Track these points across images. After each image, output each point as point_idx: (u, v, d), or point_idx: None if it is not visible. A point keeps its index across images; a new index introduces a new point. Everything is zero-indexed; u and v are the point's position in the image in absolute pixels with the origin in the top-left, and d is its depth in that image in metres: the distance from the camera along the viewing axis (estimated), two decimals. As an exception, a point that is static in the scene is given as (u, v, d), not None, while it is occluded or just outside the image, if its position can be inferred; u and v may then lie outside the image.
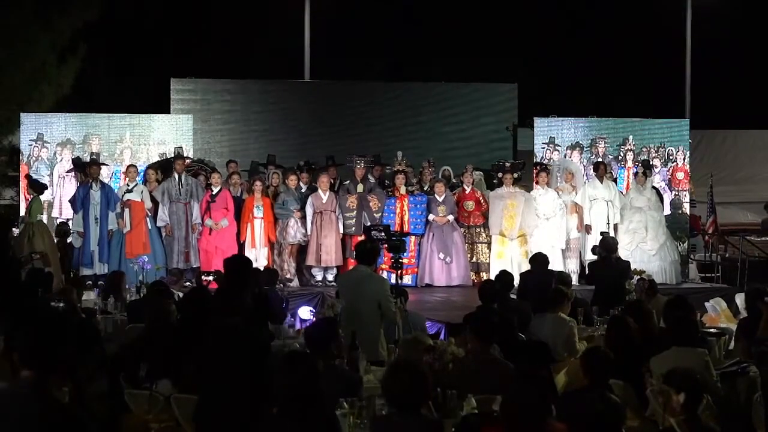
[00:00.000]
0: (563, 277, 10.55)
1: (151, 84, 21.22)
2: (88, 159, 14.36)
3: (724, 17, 23.63)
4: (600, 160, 14.87)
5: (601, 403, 4.60)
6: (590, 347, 6.89)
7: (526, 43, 26.21)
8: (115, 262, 13.12)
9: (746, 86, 25.17)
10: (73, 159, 14.55)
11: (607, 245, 11.97)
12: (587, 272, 13.02)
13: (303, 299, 12.27)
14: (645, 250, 13.81)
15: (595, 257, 12.71)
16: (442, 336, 9.90)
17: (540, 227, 13.85)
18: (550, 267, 11.73)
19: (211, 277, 11.31)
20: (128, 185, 13.52)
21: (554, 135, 15.42)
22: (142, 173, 14.19)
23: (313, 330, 6.42)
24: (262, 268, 11.93)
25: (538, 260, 11.07)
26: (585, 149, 15.34)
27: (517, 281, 11.06)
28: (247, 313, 6.71)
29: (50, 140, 14.84)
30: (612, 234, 13.70)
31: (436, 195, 13.85)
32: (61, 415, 3.90)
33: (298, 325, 9.87)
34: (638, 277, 11.92)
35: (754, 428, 6.37)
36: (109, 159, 14.77)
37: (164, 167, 14.23)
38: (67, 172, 14.62)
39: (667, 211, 15.03)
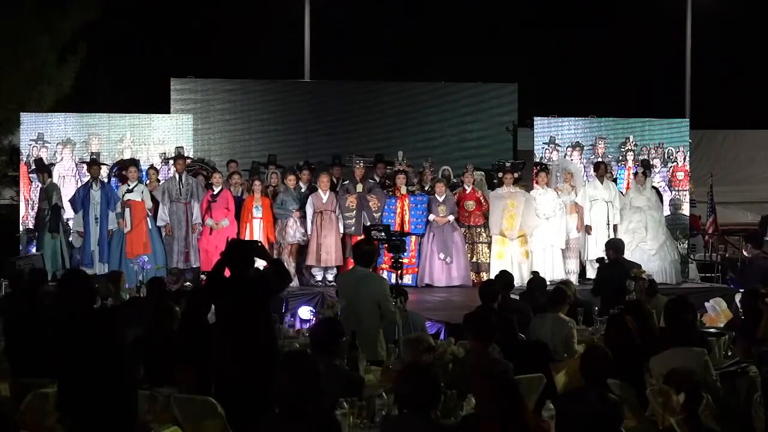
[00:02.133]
0: (567, 285, 10.52)
1: (151, 84, 21.21)
2: (88, 159, 14.37)
3: (724, 17, 23.62)
4: (600, 160, 14.88)
5: (599, 403, 4.61)
6: (590, 346, 6.89)
7: (526, 43, 26.19)
8: (115, 262, 13.13)
9: (746, 86, 25.16)
10: (35, 159, 14.50)
11: (616, 247, 11.95)
12: (596, 275, 12.83)
13: (303, 299, 12.27)
14: (645, 250, 13.82)
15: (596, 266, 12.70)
16: (442, 336, 9.90)
17: (540, 227, 13.85)
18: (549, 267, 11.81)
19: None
20: (129, 185, 13.52)
21: (554, 135, 15.43)
22: (143, 173, 14.20)
23: (319, 330, 6.40)
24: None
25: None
26: (585, 149, 15.35)
27: (518, 282, 11.11)
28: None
29: (50, 140, 14.83)
30: (612, 234, 13.75)
31: (436, 195, 13.85)
32: None
33: (298, 325, 9.88)
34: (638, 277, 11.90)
35: (754, 428, 6.38)
36: (109, 159, 14.77)
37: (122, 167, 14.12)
38: (30, 173, 14.58)
39: (667, 211, 15.05)
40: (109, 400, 5.65)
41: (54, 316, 6.03)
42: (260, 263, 7.22)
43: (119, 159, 14.58)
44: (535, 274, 11.83)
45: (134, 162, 14.12)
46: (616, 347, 6.53)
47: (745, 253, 12.09)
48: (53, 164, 14.49)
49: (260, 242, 7.50)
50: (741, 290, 11.93)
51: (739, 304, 10.88)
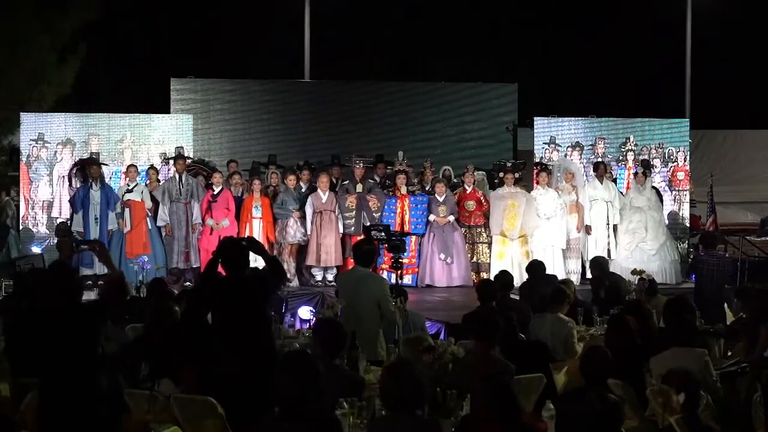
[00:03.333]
0: (566, 284, 10.49)
1: (151, 84, 21.22)
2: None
3: (724, 17, 23.63)
4: (600, 160, 14.88)
5: (599, 403, 4.61)
6: (591, 346, 6.90)
7: (526, 43, 26.22)
8: (115, 262, 13.10)
9: (746, 86, 25.18)
10: None
11: (600, 266, 11.89)
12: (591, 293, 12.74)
13: (303, 299, 12.26)
14: (645, 250, 13.81)
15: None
16: (442, 336, 9.89)
17: (540, 227, 13.85)
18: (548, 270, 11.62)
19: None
20: (128, 185, 13.53)
21: (554, 135, 15.43)
22: (143, 173, 14.21)
23: (326, 331, 6.36)
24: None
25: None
26: (585, 149, 15.35)
27: (518, 282, 11.07)
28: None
29: (50, 140, 14.84)
30: (611, 235, 13.76)
31: (436, 195, 13.83)
32: None
33: (298, 325, 9.88)
34: (638, 277, 11.90)
35: (754, 428, 6.37)
36: (109, 159, 14.77)
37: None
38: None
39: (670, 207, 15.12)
40: (84, 400, 5.67)
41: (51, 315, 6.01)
42: (260, 262, 7.20)
43: (79, 159, 14.52)
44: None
45: (92, 161, 13.98)
46: (616, 347, 6.53)
47: (701, 253, 12.19)
48: (16, 183, 14.51)
49: (250, 237, 7.46)
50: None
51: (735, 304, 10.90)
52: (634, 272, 11.98)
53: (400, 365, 5.23)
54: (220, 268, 7.00)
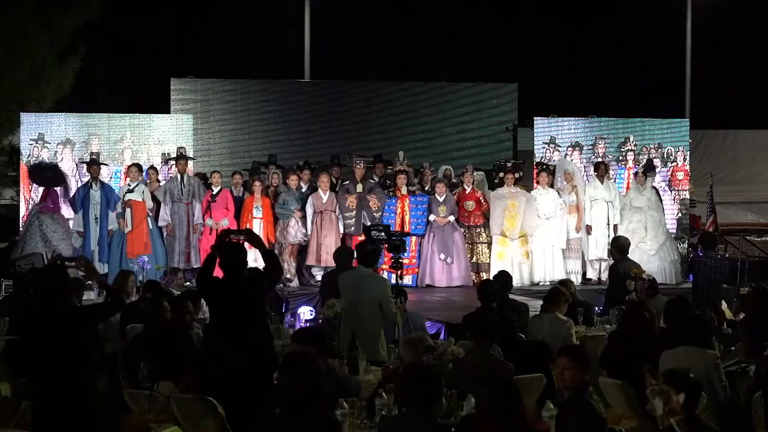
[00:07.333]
0: (565, 284, 10.50)
1: (151, 84, 21.21)
2: (88, 159, 14.37)
3: (724, 17, 23.62)
4: (600, 160, 14.88)
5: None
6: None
7: (526, 43, 26.20)
8: (115, 262, 13.13)
9: (746, 86, 25.16)
10: None
11: (620, 246, 11.92)
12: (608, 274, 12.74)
13: (303, 299, 12.26)
14: (645, 250, 13.81)
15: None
16: (442, 336, 9.90)
17: (540, 227, 13.85)
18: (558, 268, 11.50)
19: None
20: (129, 185, 13.53)
21: (554, 135, 15.43)
22: (143, 173, 14.19)
23: (305, 340, 6.30)
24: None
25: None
26: (585, 149, 15.35)
27: (518, 282, 11.04)
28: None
29: (50, 140, 14.83)
30: (612, 235, 13.74)
31: (436, 195, 13.83)
32: None
33: (298, 325, 9.88)
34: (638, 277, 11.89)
35: (754, 428, 6.37)
36: (109, 159, 14.77)
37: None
38: None
39: (676, 211, 15.10)
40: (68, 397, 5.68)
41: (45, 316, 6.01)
42: (259, 263, 7.19)
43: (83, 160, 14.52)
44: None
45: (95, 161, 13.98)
46: (627, 338, 6.52)
47: (699, 253, 12.22)
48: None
49: (248, 230, 7.43)
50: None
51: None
52: (634, 273, 11.99)
53: (422, 366, 5.24)
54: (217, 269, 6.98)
